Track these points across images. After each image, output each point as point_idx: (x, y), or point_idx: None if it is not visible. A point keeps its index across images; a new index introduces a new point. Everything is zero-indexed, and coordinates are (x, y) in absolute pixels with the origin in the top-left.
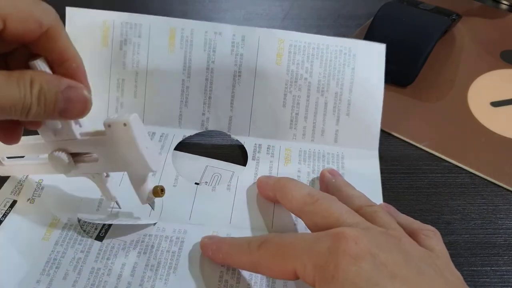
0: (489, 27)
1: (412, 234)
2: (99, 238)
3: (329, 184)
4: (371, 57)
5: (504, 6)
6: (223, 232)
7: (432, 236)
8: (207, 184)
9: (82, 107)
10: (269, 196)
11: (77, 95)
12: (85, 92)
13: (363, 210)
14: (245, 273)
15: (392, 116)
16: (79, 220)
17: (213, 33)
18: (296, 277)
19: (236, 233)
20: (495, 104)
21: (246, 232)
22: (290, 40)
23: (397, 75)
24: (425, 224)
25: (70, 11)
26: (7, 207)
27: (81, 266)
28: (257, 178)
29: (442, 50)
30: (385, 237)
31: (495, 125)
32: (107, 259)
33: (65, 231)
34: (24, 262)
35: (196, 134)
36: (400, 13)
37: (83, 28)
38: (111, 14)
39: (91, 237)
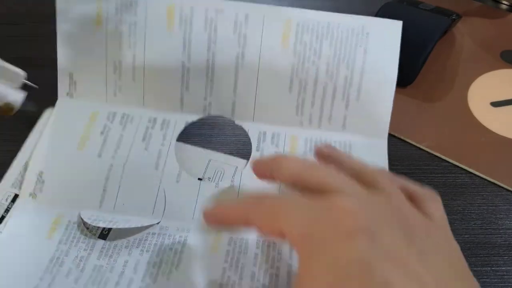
0: (489, 27)
1: (411, 197)
2: (103, 236)
3: (326, 156)
4: (385, 36)
5: (504, 6)
6: (225, 236)
7: (432, 200)
8: (210, 180)
9: None
10: (265, 175)
11: None
12: None
13: (362, 173)
14: (248, 270)
15: (392, 116)
16: (82, 219)
17: (214, 10)
18: (284, 238)
19: (239, 235)
20: (495, 104)
21: (251, 234)
22: (298, 19)
23: (397, 75)
24: (425, 188)
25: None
26: (9, 201)
27: (84, 263)
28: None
29: (442, 50)
30: (385, 208)
31: (495, 125)
32: (110, 256)
33: (69, 229)
34: (27, 261)
35: (199, 120)
36: (400, 13)
37: (75, 5)
38: None
39: (94, 235)
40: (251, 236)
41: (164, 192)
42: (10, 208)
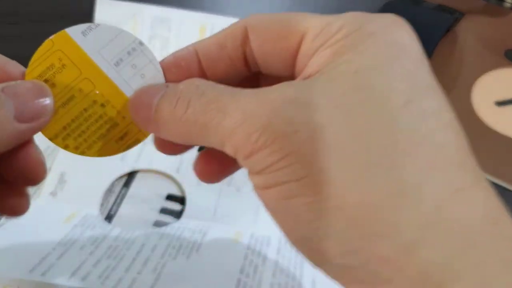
0: (493, 26)
1: None
2: None
3: None
4: None
5: (507, 5)
6: (247, 233)
7: None
8: (230, 185)
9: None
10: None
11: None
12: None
13: None
14: (271, 257)
15: None
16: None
17: None
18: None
19: (261, 233)
20: (500, 103)
21: (274, 231)
22: None
23: None
24: None
25: (100, 2)
26: None
27: (100, 242)
28: None
29: (445, 49)
30: None
31: (499, 125)
32: (127, 240)
33: (86, 218)
34: (41, 235)
35: None
36: (402, 11)
37: (113, 21)
38: (143, 7)
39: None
40: (273, 234)
41: (185, 193)
42: None
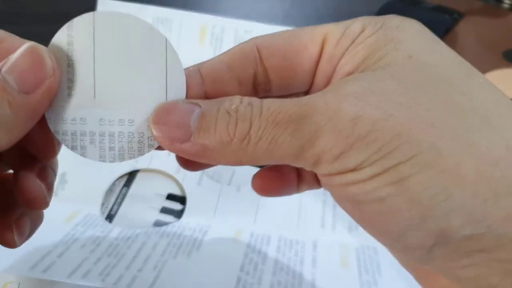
0: (492, 26)
1: None
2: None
3: None
4: None
5: (506, 6)
6: (247, 232)
7: None
8: (230, 184)
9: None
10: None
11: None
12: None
13: None
14: (271, 255)
15: None
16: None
17: (243, 31)
18: None
19: (261, 231)
20: None
21: (273, 230)
22: None
23: None
24: None
25: (102, 2)
26: None
27: (101, 240)
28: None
29: None
30: None
31: None
32: (128, 238)
33: (87, 218)
34: (42, 237)
35: None
36: (401, 11)
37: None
38: (143, 8)
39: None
40: (273, 233)
41: (185, 193)
42: None
